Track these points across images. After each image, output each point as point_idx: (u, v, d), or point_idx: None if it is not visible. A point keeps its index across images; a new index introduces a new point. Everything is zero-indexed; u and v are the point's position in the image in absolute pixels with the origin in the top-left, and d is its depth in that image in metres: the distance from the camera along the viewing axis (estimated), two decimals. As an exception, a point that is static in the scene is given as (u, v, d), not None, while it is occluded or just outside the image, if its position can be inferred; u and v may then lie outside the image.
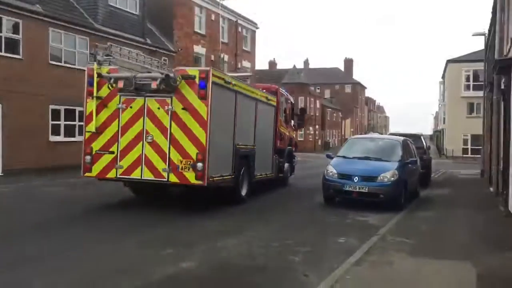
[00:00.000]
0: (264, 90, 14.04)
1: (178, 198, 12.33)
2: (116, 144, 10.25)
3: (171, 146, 9.82)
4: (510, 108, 11.16)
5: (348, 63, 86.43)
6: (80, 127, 21.29)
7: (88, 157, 10.66)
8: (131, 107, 10.18)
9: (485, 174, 21.55)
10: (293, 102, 17.91)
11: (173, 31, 27.94)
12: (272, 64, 67.29)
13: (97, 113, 10.54)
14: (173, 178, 9.79)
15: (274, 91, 15.11)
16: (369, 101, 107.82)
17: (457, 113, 46.94)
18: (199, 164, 9.55)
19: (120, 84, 9.89)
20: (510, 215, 10.55)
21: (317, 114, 58.39)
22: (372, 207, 11.51)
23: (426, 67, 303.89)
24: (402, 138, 13.97)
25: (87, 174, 10.70)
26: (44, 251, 6.98)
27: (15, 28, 18.17)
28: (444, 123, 53.24)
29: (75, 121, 21.15)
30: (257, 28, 38.61)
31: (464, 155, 46.11)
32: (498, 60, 12.19)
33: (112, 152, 10.30)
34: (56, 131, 20.13)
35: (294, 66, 55.23)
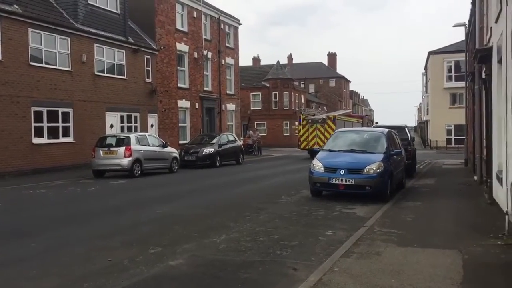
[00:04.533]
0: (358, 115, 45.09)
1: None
2: (319, 138, 29.91)
3: (325, 139, 26.24)
4: (491, 97, 11.29)
5: (332, 57, 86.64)
6: (64, 128, 21.13)
7: (299, 143, 30.93)
8: (312, 127, 30.23)
9: (469, 163, 21.81)
10: (369, 117, 46.48)
11: (155, 29, 27.74)
12: (256, 60, 67.16)
13: (302, 129, 30.61)
14: None
15: (361, 116, 45.43)
16: (354, 95, 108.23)
17: (440, 104, 47.43)
18: None
19: (310, 120, 30.69)
20: (494, 203, 10.69)
21: (302, 109, 58.49)
22: (359, 199, 11.58)
23: (410, 59, 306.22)
24: (386, 130, 14.05)
25: (299, 148, 31.20)
26: (33, 252, 6.90)
27: (-6, 30, 17.90)
28: (427, 114, 53.74)
29: (58, 122, 20.92)
30: (239, 24, 38.51)
31: (448, 146, 46.62)
32: (479, 49, 12.31)
33: (307, 141, 30.37)
34: (39, 133, 19.89)
35: (278, 61, 55.14)
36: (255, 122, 52.47)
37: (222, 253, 6.87)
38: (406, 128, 20.26)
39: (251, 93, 52.42)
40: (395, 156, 12.95)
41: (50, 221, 9.60)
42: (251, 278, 5.73)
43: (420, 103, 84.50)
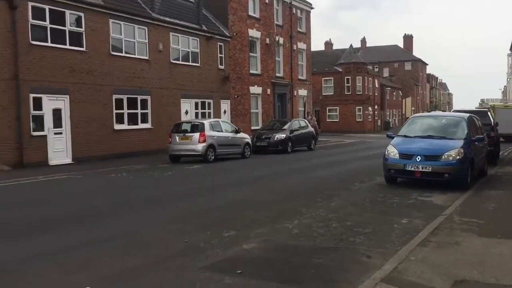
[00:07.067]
0: None
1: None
2: None
3: None
4: None
5: (408, 39, 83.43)
6: (142, 114, 22.07)
7: None
8: None
9: (560, 150, 20.20)
10: None
11: (228, 16, 28.06)
12: (328, 44, 66.02)
13: None
14: None
15: None
16: (431, 78, 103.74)
17: (528, 87, 44.23)
18: None
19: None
20: None
21: (375, 94, 56.95)
22: (436, 187, 11.15)
23: (492, 39, 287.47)
24: (467, 115, 13.34)
25: None
26: (114, 233, 7.32)
27: (78, 22, 18.94)
28: (513, 97, 50.30)
29: (137, 109, 21.87)
30: (311, 8, 38.01)
31: (536, 131, 43.41)
32: None
33: None
34: (120, 119, 20.91)
35: (351, 45, 53.92)
36: (327, 108, 51.88)
37: (295, 239, 6.90)
38: (489, 113, 19.13)
39: (323, 78, 51.77)
40: (476, 143, 12.29)
41: (131, 204, 10.10)
42: (324, 264, 5.72)
43: (505, 86, 79.36)
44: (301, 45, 36.55)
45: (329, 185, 12.34)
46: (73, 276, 5.37)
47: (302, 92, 36.97)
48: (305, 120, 28.48)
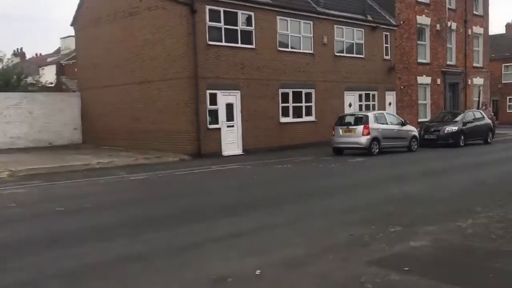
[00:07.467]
0: None
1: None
2: None
3: None
4: None
5: None
6: (307, 107, 22.59)
7: None
8: None
9: None
10: None
11: (394, 4, 27.03)
12: (510, 26, 59.21)
13: None
14: None
15: None
16: None
17: None
18: None
19: None
20: None
21: None
22: None
23: None
24: None
25: None
26: (278, 221, 7.68)
27: (249, 21, 20.11)
28: None
29: (301, 102, 22.44)
30: (490, -13, 34.54)
31: None
32: None
33: None
34: (285, 113, 21.68)
35: (539, 25, 47.59)
36: (507, 97, 46.75)
37: (468, 239, 6.44)
38: None
39: (503, 65, 46.65)
40: None
41: (296, 194, 10.46)
42: (504, 269, 5.24)
43: None
44: (477, 30, 33.46)
45: (509, 182, 11.18)
46: (247, 259, 5.78)
47: (478, 80, 33.89)
48: (481, 111, 26.07)
